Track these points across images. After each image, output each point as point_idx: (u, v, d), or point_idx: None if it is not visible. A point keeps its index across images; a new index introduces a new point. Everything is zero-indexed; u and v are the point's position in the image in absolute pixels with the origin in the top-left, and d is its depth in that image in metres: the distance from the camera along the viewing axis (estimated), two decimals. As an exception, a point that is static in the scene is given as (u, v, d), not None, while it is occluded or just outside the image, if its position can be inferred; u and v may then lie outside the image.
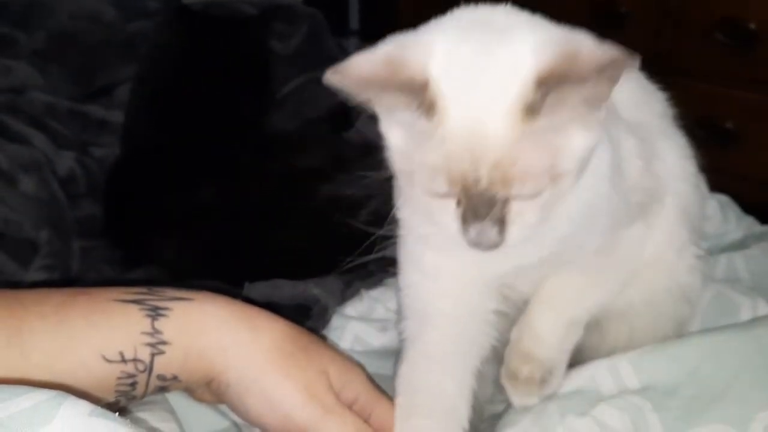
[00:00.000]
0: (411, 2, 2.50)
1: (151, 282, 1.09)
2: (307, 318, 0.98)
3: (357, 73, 0.60)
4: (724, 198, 1.23)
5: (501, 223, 0.62)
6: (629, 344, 0.89)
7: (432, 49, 0.62)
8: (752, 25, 1.97)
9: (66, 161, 1.27)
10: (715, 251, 1.14)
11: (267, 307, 0.87)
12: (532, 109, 0.59)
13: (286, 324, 0.75)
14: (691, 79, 2.11)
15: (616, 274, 0.84)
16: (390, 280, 1.10)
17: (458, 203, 0.63)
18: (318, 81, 1.67)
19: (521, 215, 0.63)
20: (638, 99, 0.84)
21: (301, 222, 1.20)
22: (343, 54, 1.69)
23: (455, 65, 0.62)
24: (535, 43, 0.62)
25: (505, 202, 0.62)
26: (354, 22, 2.71)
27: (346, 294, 1.07)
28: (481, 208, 0.61)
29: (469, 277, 0.78)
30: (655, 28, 2.13)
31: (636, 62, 0.58)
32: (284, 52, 1.61)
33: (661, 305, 0.90)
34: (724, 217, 1.20)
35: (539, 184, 0.62)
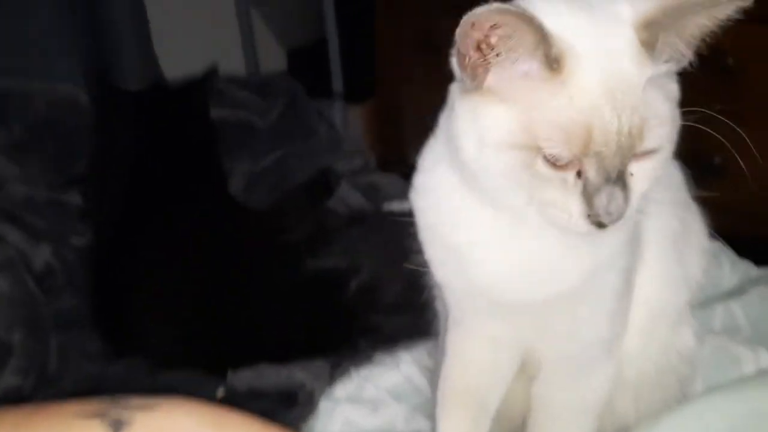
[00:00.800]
0: (389, 65, 2.53)
1: (129, 376, 1.06)
2: (293, 405, 0.94)
3: (495, 9, 0.56)
4: (715, 244, 1.19)
5: (625, 187, 0.60)
6: (637, 413, 0.87)
7: (536, 8, 0.61)
8: (729, 60, 1.98)
9: (42, 254, 1.24)
10: (711, 301, 1.10)
11: (250, 396, 0.83)
12: (650, 49, 0.60)
13: (262, 426, 0.71)
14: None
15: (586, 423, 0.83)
16: (380, 356, 1.06)
17: (578, 175, 0.60)
18: (297, 152, 1.66)
19: (639, 178, 0.61)
20: None
21: (285, 300, 1.17)
22: (324, 122, 1.69)
23: (567, 22, 0.61)
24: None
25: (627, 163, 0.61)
26: (337, 85, 2.74)
27: (334, 374, 1.03)
28: (613, 168, 0.59)
29: (488, 304, 0.76)
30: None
31: None
32: (263, 126, 1.60)
33: (664, 371, 0.87)
34: (718, 264, 1.17)
35: (665, 131, 0.61)
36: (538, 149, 0.60)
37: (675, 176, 0.88)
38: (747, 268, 1.18)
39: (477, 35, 0.59)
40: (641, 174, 0.62)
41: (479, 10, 0.57)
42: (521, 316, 0.76)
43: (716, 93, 1.94)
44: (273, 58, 3.03)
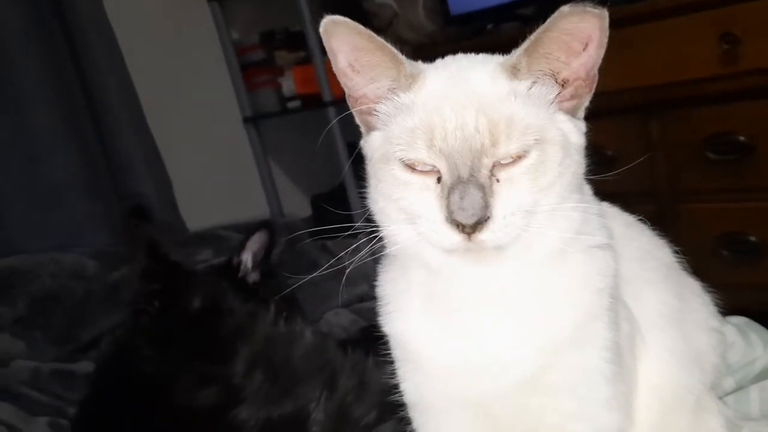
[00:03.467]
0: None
1: None
2: None
3: (356, 28, 0.65)
4: (740, 319, 1.09)
5: (484, 189, 0.61)
6: None
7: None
8: (742, 138, 1.92)
9: (38, 427, 1.21)
10: (745, 383, 0.98)
11: None
12: (515, 69, 0.64)
13: None
14: (699, 201, 2.04)
15: None
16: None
17: (438, 180, 0.63)
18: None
19: (510, 185, 0.62)
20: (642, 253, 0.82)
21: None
22: (326, 254, 1.68)
23: (434, 65, 0.70)
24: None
25: (491, 169, 0.62)
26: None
27: None
28: (464, 166, 0.61)
29: (451, 400, 0.73)
30: (647, 162, 2.08)
31: (580, 8, 0.61)
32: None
33: None
34: (747, 341, 1.05)
35: (525, 139, 0.62)
36: (395, 156, 0.64)
37: (665, 254, 0.84)
38: (781, 341, 1.06)
39: (343, 58, 0.67)
40: (512, 181, 0.62)
41: (331, 23, 0.65)
42: (501, 415, 0.70)
43: (734, 173, 1.86)
44: (298, 206, 3.12)
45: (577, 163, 0.66)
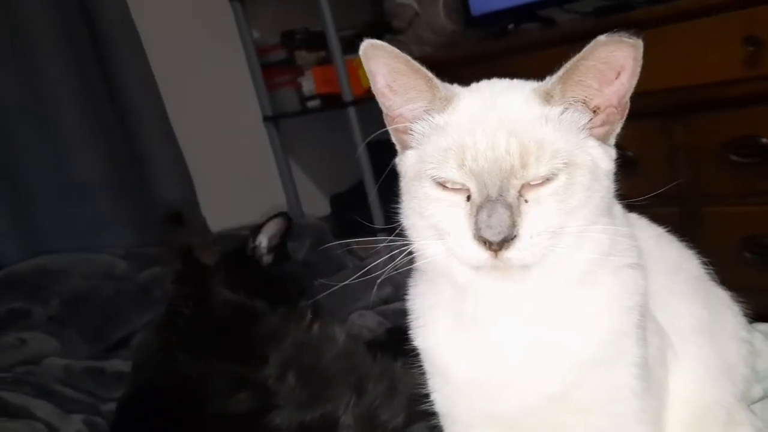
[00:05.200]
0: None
1: None
2: None
3: (393, 52, 0.66)
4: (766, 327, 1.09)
5: (512, 209, 0.62)
6: None
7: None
8: (765, 140, 1.92)
9: (73, 425, 1.24)
10: (772, 391, 0.99)
11: None
12: (549, 95, 0.66)
13: None
14: (722, 204, 2.03)
15: None
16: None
17: (468, 199, 0.64)
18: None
19: (537, 206, 0.63)
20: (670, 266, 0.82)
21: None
22: (352, 256, 1.69)
23: (470, 88, 0.72)
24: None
25: (521, 190, 0.63)
26: (379, 222, 2.80)
27: None
28: (493, 186, 0.62)
29: (479, 415, 0.74)
30: (669, 165, 2.08)
31: (616, 37, 0.62)
32: (294, 267, 1.61)
33: None
34: (773, 349, 1.06)
35: (554, 162, 0.63)
36: (427, 174, 0.66)
37: (693, 266, 0.85)
38: (808, 349, 1.06)
39: (381, 79, 0.69)
40: (539, 202, 0.63)
41: (370, 47, 0.67)
42: (529, 430, 0.71)
43: (759, 176, 1.86)
44: (317, 204, 3.15)
45: (605, 187, 0.67)
